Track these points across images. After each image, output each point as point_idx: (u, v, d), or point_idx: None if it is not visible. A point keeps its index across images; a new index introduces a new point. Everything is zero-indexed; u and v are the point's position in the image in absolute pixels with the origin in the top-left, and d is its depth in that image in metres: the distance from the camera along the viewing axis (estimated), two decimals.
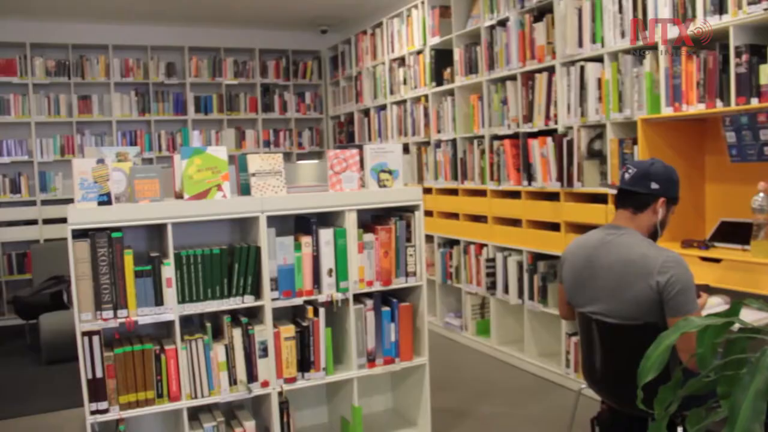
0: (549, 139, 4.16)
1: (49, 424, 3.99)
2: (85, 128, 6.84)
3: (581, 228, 3.86)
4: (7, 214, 6.51)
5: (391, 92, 6.22)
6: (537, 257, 4.38)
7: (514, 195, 4.58)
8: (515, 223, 4.59)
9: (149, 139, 6.99)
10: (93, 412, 2.71)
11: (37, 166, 6.63)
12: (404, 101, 5.98)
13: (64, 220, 6.96)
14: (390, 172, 3.25)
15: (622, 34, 3.62)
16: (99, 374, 2.69)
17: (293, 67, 7.67)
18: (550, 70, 4.18)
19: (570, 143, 3.97)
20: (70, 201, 6.52)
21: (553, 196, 4.21)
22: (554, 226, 4.18)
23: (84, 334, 2.66)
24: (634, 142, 3.52)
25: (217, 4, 6.37)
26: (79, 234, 2.66)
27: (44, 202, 6.62)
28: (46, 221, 6.58)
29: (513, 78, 4.54)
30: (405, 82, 5.95)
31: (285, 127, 7.68)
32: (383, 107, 6.41)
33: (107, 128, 6.92)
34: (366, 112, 6.81)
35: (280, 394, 3.04)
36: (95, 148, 3.01)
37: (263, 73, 7.53)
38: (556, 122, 4.15)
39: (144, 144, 6.93)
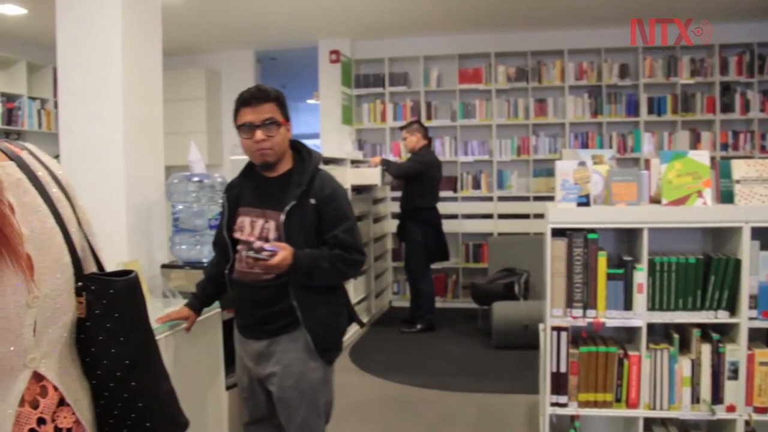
0: None
1: (499, 404, 4.33)
2: (540, 130, 7.22)
3: None
4: (468, 207, 7.27)
5: None
6: None
7: None
8: None
9: (600, 140, 7.03)
10: (553, 404, 2.82)
11: (496, 165, 7.24)
12: None
13: (516, 216, 7.45)
14: None
15: None
16: (563, 369, 2.79)
17: (759, 62, 6.89)
18: None
19: None
20: (524, 198, 7.04)
21: None
22: None
23: (553, 328, 2.79)
24: None
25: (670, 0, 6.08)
26: (557, 232, 2.77)
27: (500, 198, 7.20)
28: (501, 216, 7.15)
29: None
30: None
31: (746, 128, 6.97)
32: None
33: (560, 130, 7.17)
34: None
35: (747, 423, 2.77)
36: (572, 150, 3.13)
37: (723, 71, 6.93)
38: None
39: (595, 145, 6.98)
